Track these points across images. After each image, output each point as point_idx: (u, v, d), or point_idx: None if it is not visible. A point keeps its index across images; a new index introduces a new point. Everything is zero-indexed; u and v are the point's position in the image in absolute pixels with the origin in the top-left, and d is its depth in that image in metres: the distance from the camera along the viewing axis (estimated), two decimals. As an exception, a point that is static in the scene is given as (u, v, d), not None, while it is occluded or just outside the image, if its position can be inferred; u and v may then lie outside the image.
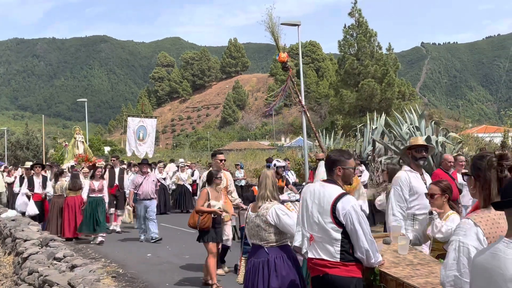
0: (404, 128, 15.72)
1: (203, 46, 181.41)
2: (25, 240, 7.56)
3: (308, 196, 4.17)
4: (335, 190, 4.02)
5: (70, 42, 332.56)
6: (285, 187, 10.74)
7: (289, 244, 4.86)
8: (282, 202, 5.48)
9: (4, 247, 8.56)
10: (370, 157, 16.49)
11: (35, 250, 6.64)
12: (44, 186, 13.49)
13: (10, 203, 17.80)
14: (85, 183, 12.96)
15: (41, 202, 13.42)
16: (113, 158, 16.39)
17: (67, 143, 24.58)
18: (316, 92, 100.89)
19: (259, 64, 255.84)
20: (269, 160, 17.28)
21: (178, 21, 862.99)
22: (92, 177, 12.89)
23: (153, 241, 12.19)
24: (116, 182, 14.72)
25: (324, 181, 4.19)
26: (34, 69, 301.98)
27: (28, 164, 15.36)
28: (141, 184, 12.39)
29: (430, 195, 5.02)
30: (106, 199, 12.92)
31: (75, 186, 12.82)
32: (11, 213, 10.74)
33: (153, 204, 12.59)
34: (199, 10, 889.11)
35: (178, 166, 21.24)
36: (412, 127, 15.22)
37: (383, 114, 20.12)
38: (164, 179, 19.58)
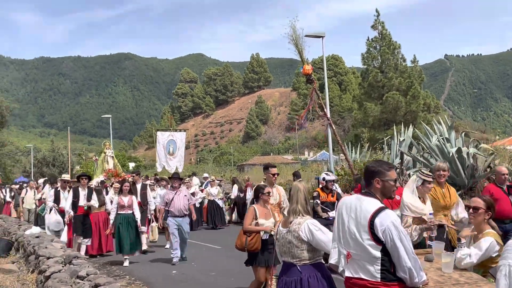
0: (434, 139, 15.27)
1: (226, 62, 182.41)
2: (48, 258, 7.39)
3: (344, 210, 3.87)
4: (372, 204, 3.71)
5: (95, 60, 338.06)
6: (336, 202, 10.10)
7: (323, 262, 4.57)
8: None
9: (28, 265, 8.41)
10: (398, 170, 16.08)
11: (57, 268, 6.46)
12: (89, 198, 12.58)
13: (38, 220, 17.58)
14: (114, 198, 12.18)
15: (83, 216, 12.53)
16: (133, 174, 15.85)
17: (97, 157, 24.28)
18: (339, 105, 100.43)
19: (282, 79, 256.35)
20: (296, 174, 16.73)
21: (201, 38, 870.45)
22: (120, 192, 11.91)
23: (182, 261, 11.43)
24: (138, 198, 13.87)
25: (361, 194, 3.90)
26: (60, 87, 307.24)
27: (66, 176, 14.86)
28: (172, 200, 11.44)
29: (473, 208, 4.69)
30: (138, 215, 11.89)
31: (98, 202, 12.54)
32: (35, 229, 10.62)
33: (186, 222, 11.63)
34: (221, 26, 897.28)
35: (202, 181, 20.99)
36: (442, 138, 14.78)
37: (410, 126, 19.68)
38: (193, 194, 19.10)
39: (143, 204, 13.75)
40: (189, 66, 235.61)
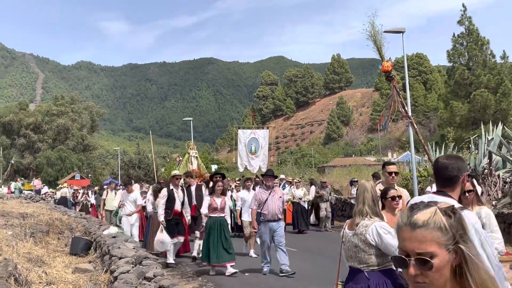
0: (525, 138, 14.23)
1: (306, 64, 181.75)
2: (120, 258, 7.44)
3: None
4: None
5: (180, 65, 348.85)
6: None
7: (394, 268, 4.17)
8: None
9: (102, 264, 8.53)
10: (486, 170, 15.11)
11: (126, 269, 6.45)
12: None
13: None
14: (206, 199, 10.75)
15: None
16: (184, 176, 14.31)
17: (180, 158, 23.76)
18: (424, 105, 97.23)
19: (363, 79, 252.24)
20: (375, 175, 16.04)
21: (281, 40, 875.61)
22: (212, 192, 10.58)
23: (282, 274, 9.78)
24: (194, 201, 12.93)
25: (434, 193, 3.47)
26: (146, 92, 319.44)
27: (176, 172, 12.90)
28: (265, 201, 9.95)
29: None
30: (229, 220, 10.78)
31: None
32: (113, 229, 10.83)
33: (280, 227, 10.17)
34: (300, 28, 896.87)
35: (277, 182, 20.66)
36: (535, 137, 13.72)
37: (500, 124, 18.50)
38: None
39: (199, 208, 12.14)
40: (270, 68, 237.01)
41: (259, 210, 9.97)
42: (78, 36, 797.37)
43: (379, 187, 6.89)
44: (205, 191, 12.84)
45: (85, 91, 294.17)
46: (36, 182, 43.95)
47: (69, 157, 65.03)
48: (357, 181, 18.32)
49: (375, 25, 13.35)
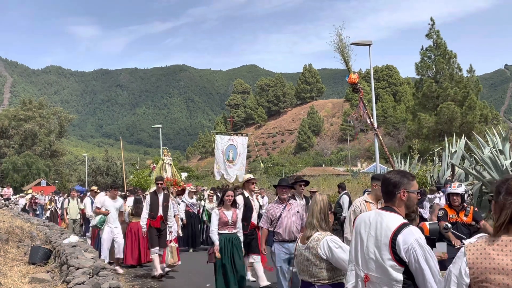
0: (486, 151, 14.52)
1: (278, 73, 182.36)
2: (77, 268, 7.32)
3: (362, 227, 3.49)
4: (394, 219, 3.33)
5: (151, 72, 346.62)
6: (473, 222, 7.92)
7: (344, 282, 4.19)
8: None
9: (61, 274, 8.38)
10: (449, 182, 15.38)
11: (81, 280, 6.34)
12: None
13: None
14: (214, 211, 8.74)
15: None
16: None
17: (154, 165, 22.22)
18: (394, 116, 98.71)
19: (335, 90, 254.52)
20: (341, 186, 16.11)
21: (254, 49, 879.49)
22: (221, 203, 8.66)
23: None
24: (160, 212, 11.47)
25: (381, 209, 3.52)
26: (117, 98, 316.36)
27: (250, 176, 10.82)
28: (279, 217, 7.94)
29: None
30: (241, 237, 8.80)
31: (137, 212, 12.29)
32: (73, 238, 10.65)
33: None
34: (273, 37, 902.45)
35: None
36: (495, 150, 14.01)
37: (463, 137, 18.87)
38: (194, 205, 16.89)
39: (165, 220, 11.42)
40: (242, 77, 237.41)
41: (272, 229, 8.00)
42: (48, 40, 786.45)
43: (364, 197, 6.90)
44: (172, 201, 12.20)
45: (54, 96, 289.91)
46: (5, 191, 40.88)
47: (35, 162, 63.87)
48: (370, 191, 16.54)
49: (342, 37, 13.49)
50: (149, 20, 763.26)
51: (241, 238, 8.67)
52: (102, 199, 12.34)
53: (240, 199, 9.59)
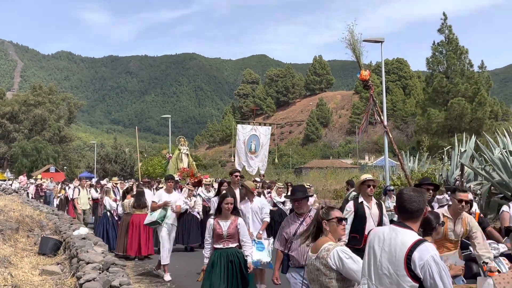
0: (496, 152, 14.46)
1: (288, 63, 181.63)
2: (88, 263, 7.40)
3: (376, 242, 3.54)
4: (409, 236, 3.39)
5: (161, 59, 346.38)
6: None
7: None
8: None
9: (70, 267, 8.47)
10: (458, 182, 15.32)
11: (92, 276, 6.41)
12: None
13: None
14: (210, 222, 6.84)
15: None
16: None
17: (170, 154, 21.70)
18: (403, 110, 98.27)
19: (344, 81, 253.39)
20: (349, 183, 15.20)
21: (264, 39, 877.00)
22: (218, 212, 6.86)
23: None
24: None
25: (395, 224, 3.55)
26: (127, 85, 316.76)
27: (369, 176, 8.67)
28: (294, 236, 5.94)
29: None
30: (248, 251, 6.89)
31: (139, 204, 12.33)
32: (83, 230, 10.72)
33: None
34: (283, 28, 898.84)
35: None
36: (506, 151, 13.94)
37: (473, 136, 18.76)
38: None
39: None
40: (252, 67, 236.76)
41: (286, 251, 6.04)
42: (59, 25, 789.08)
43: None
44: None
45: (64, 82, 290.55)
46: (21, 179, 39.83)
47: (45, 148, 64.32)
48: (393, 190, 14.10)
49: (354, 33, 13.47)
50: (160, 7, 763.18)
51: (248, 252, 6.81)
52: (160, 192, 10.95)
53: (351, 206, 7.61)
